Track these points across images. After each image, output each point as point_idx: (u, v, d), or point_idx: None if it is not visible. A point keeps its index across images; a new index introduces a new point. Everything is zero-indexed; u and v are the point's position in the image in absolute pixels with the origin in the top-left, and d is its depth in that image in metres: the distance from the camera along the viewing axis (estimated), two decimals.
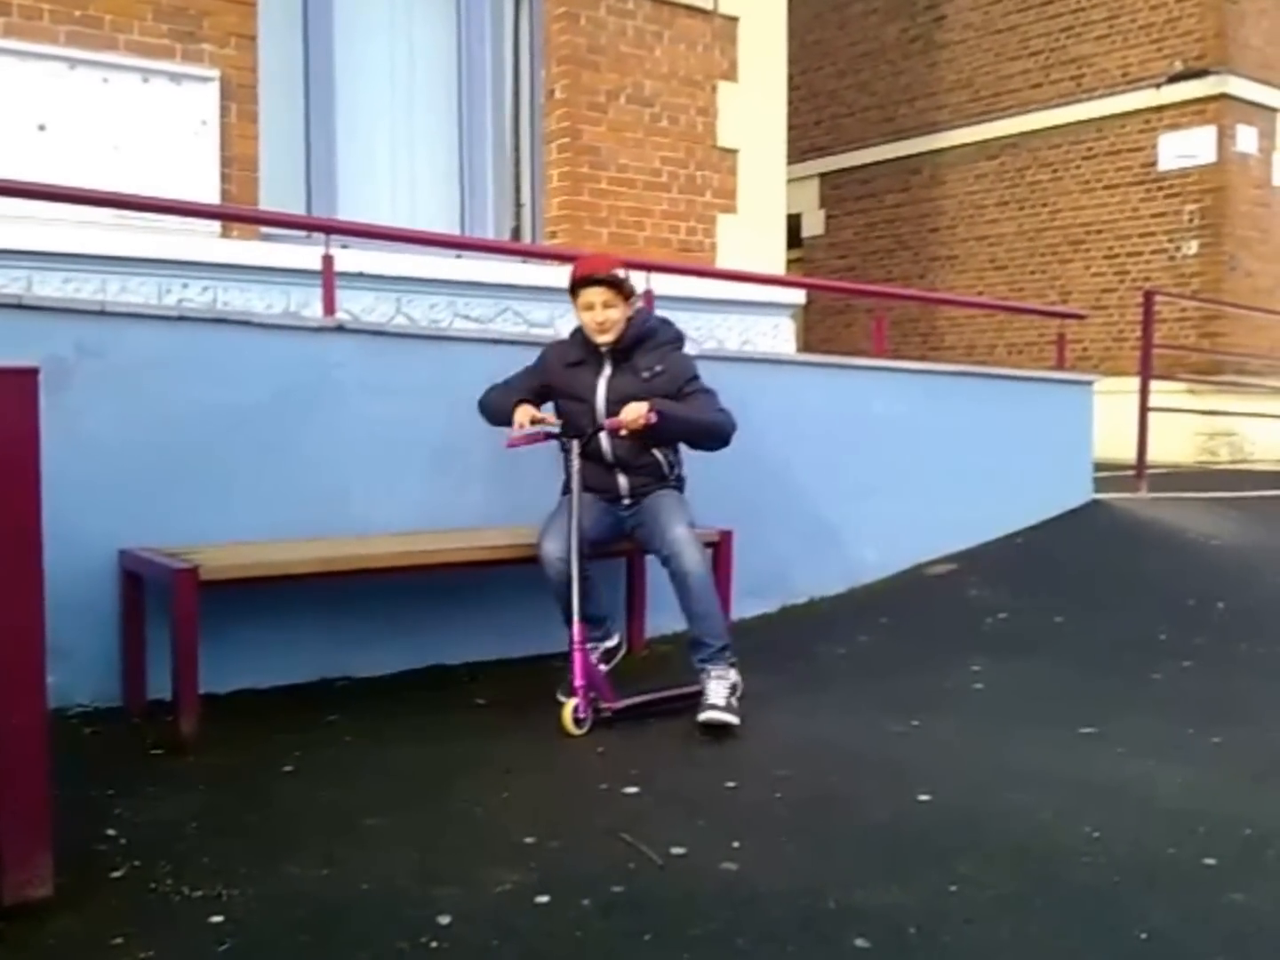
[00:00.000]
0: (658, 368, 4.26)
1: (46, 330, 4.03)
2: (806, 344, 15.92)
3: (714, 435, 4.34)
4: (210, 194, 6.24)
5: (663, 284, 6.78)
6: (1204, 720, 4.25)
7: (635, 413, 4.07)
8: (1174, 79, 12.84)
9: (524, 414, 4.25)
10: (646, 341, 4.33)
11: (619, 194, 7.62)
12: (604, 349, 4.28)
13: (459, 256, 6.93)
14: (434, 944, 2.45)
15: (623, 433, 4.15)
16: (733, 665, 4.21)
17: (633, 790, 3.44)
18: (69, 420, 3.90)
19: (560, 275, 7.01)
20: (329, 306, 5.05)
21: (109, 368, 4.12)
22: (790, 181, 15.32)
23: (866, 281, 14.91)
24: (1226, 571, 6.44)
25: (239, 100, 6.39)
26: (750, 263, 7.99)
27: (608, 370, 4.32)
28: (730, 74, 8.16)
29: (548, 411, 4.41)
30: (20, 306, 4.04)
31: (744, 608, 5.45)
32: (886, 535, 6.38)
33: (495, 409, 4.41)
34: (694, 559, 4.17)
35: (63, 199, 5.14)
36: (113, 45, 6.04)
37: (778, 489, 5.84)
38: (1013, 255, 14.51)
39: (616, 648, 4.67)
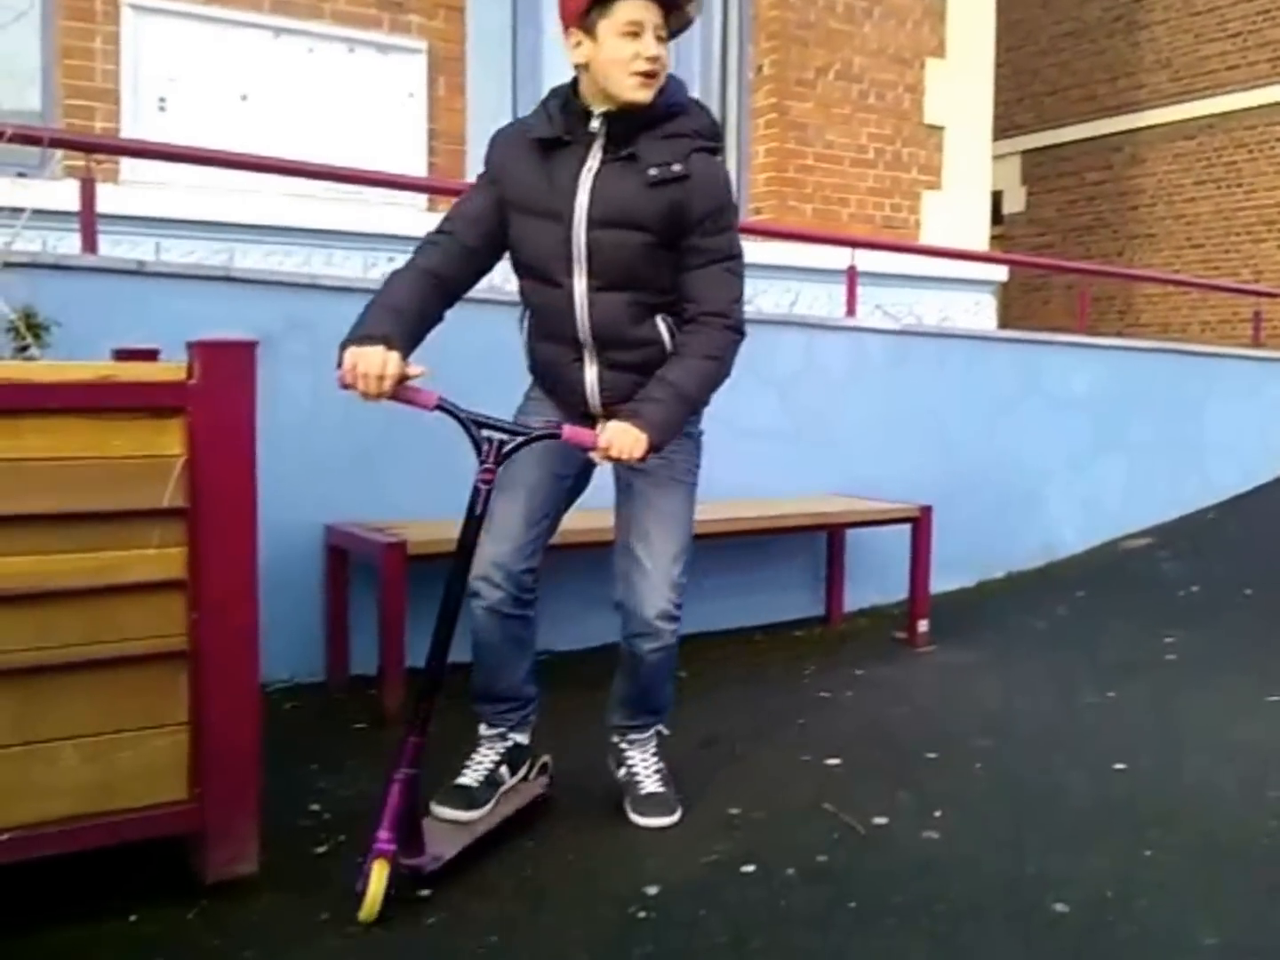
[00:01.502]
0: (675, 168, 2.45)
1: (254, 303, 3.81)
2: (1004, 319, 15.33)
3: (714, 387, 2.62)
4: (417, 167, 6.03)
5: (865, 259, 6.57)
6: None
7: (620, 446, 2.40)
8: None
9: (378, 364, 2.32)
10: (666, 123, 2.50)
11: (824, 170, 7.37)
12: (597, 124, 2.49)
13: None
14: (641, 914, 2.37)
15: (600, 443, 2.43)
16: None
17: (834, 762, 3.32)
18: (276, 394, 3.71)
19: (765, 251, 6.89)
20: None
21: (317, 342, 3.82)
22: (993, 159, 14.85)
23: (1065, 258, 14.27)
24: None
25: (446, 72, 6.17)
26: (953, 239, 7.67)
27: (595, 160, 2.50)
28: (939, 51, 7.80)
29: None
30: (228, 279, 3.85)
31: (942, 582, 5.23)
32: (1083, 511, 6.14)
33: (366, 313, 2.43)
34: (670, 642, 2.71)
35: (267, 170, 4.82)
36: (318, 14, 5.75)
37: (975, 464, 5.61)
38: (1209, 234, 13.76)
39: (523, 751, 2.90)
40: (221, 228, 5.23)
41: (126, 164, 5.16)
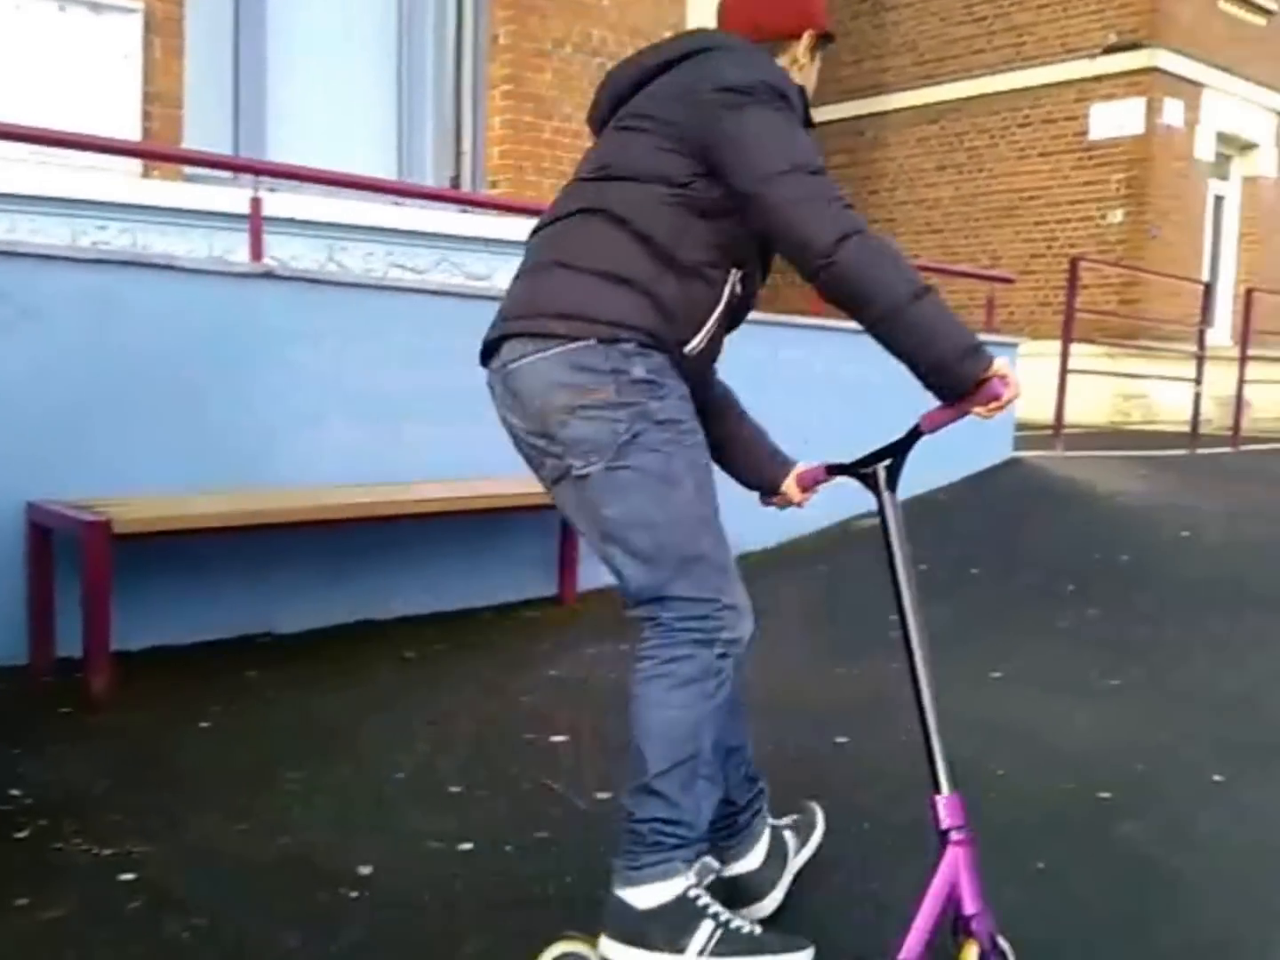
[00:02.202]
0: None
1: None
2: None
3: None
4: (131, 131, 5.90)
5: None
6: (1105, 664, 4.34)
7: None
8: (1108, 50, 12.87)
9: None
10: None
11: (564, 144, 7.49)
12: None
13: (397, 204, 6.77)
14: (354, 894, 2.42)
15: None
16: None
17: (560, 739, 3.43)
18: None
19: (500, 226, 6.95)
20: (256, 252, 4.89)
21: (18, 312, 3.82)
22: None
23: None
24: (1132, 525, 6.54)
25: (163, 34, 6.04)
26: None
27: None
28: (679, 27, 8.02)
29: None
30: None
31: None
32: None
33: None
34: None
35: None
36: None
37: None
38: (948, 219, 14.54)
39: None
40: None
41: None
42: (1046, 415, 8.46)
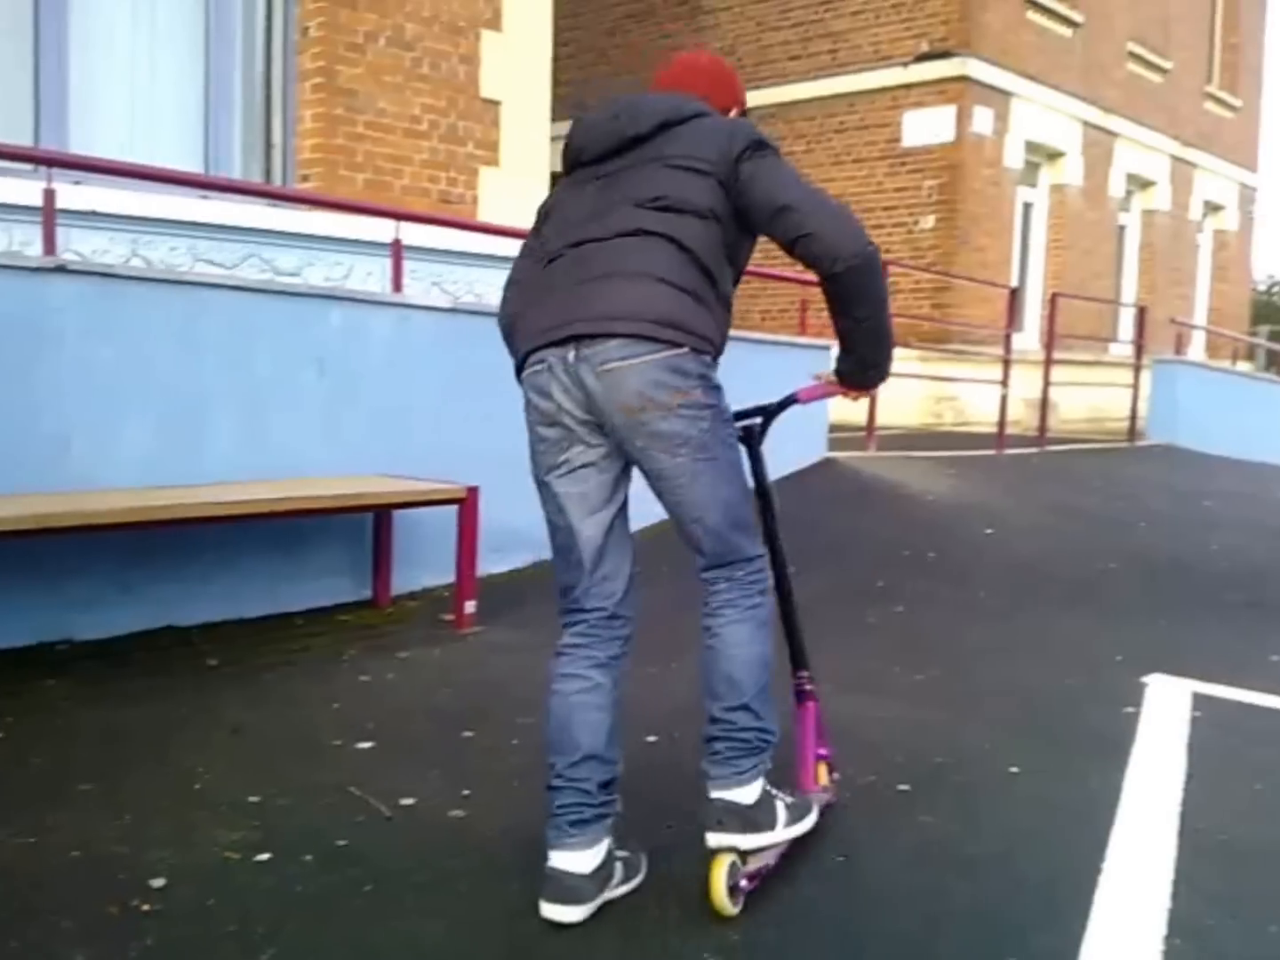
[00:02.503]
0: None
1: None
2: None
3: None
4: None
5: (420, 234, 6.67)
6: (910, 659, 4.53)
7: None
8: (920, 58, 13.35)
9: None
10: None
11: (376, 139, 7.41)
12: None
13: (204, 198, 6.62)
14: (145, 907, 2.38)
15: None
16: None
17: (366, 745, 3.42)
18: None
19: (311, 221, 6.85)
20: (49, 245, 4.73)
21: None
22: (559, 139, 15.27)
23: None
24: (939, 524, 6.82)
25: None
26: (513, 217, 7.89)
27: None
28: (494, 23, 8.03)
29: None
30: None
31: (496, 563, 5.47)
32: (640, 490, 6.46)
33: None
34: None
35: None
36: None
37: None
38: None
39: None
40: None
41: None
42: (860, 417, 8.74)
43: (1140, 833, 2.92)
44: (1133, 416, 11.60)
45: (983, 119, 13.38)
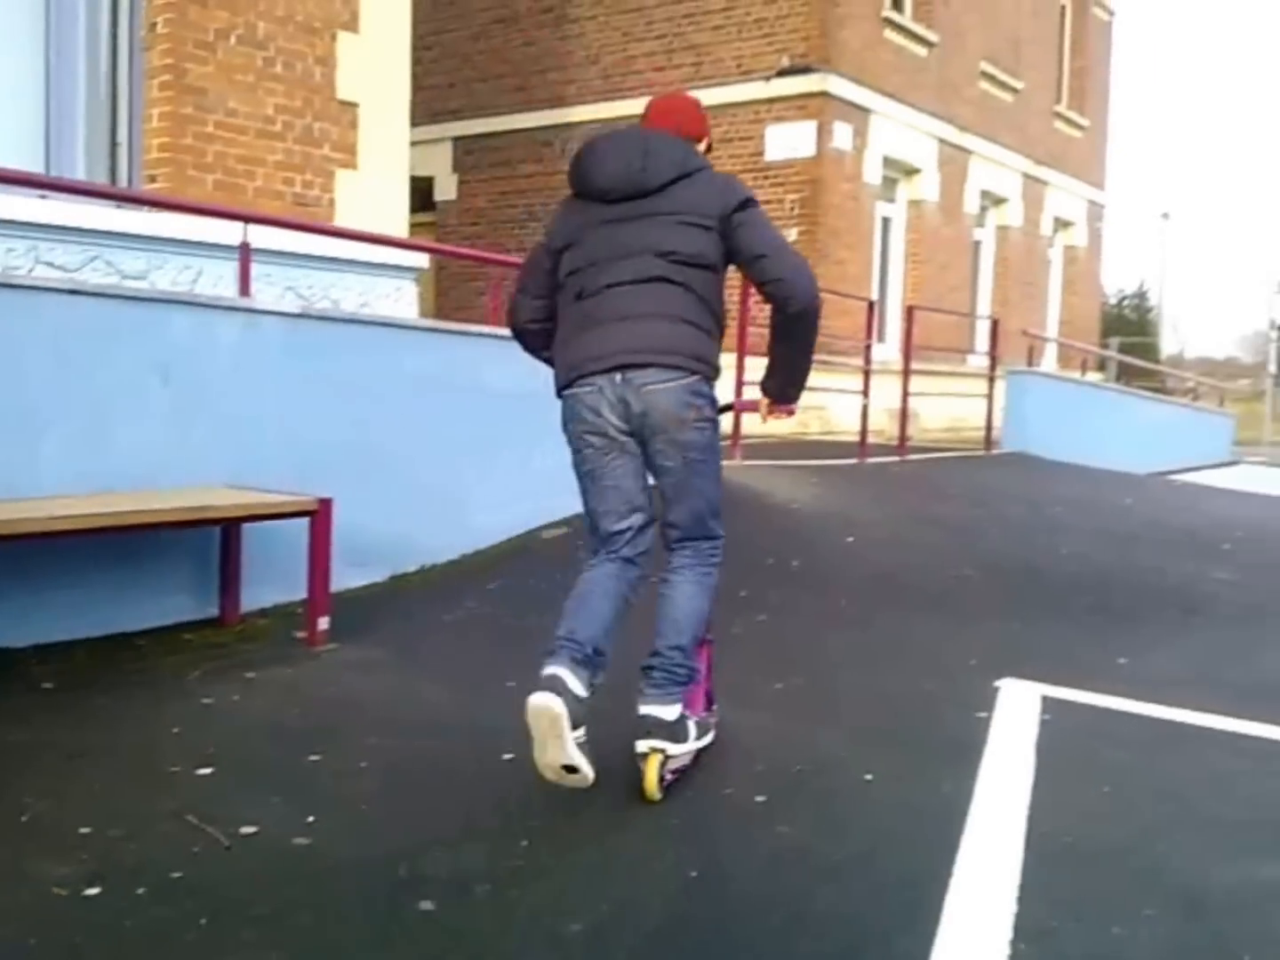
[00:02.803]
0: None
1: None
2: (440, 309, 15.77)
3: None
4: None
5: (275, 237, 6.49)
6: (771, 668, 4.52)
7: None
8: (781, 73, 13.51)
9: None
10: None
11: (227, 140, 7.20)
12: None
13: (44, 198, 6.33)
14: None
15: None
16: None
17: (207, 771, 3.26)
18: None
19: (160, 222, 6.62)
20: None
21: None
22: (423, 143, 15.19)
23: (495, 250, 14.91)
24: (802, 533, 6.86)
25: None
26: (371, 222, 7.76)
27: None
28: (351, 24, 7.87)
29: None
30: None
31: (352, 577, 5.32)
32: (501, 500, 6.39)
33: None
34: None
35: None
36: None
37: (388, 455, 5.71)
38: None
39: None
40: None
41: None
42: (725, 426, 8.76)
43: (989, 837, 2.94)
44: (988, 425, 11.88)
45: (842, 135, 13.60)
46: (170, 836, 2.79)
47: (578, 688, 2.99)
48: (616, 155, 3.22)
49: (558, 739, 2.91)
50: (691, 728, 3.29)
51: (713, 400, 3.22)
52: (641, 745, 3.14)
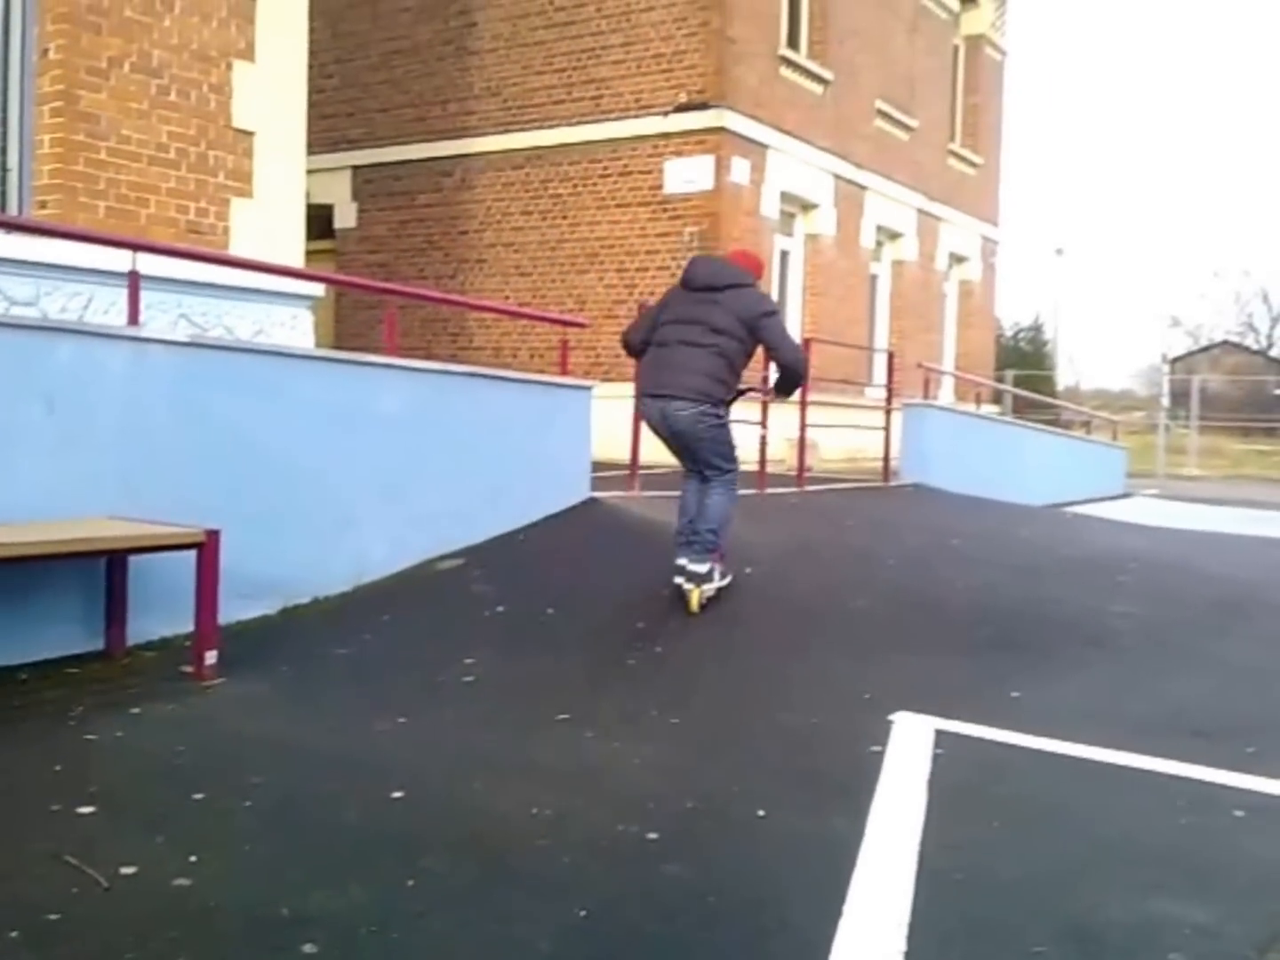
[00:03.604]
0: None
1: None
2: (339, 336, 15.63)
3: None
4: None
5: (168, 265, 6.40)
6: (667, 701, 4.53)
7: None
8: (679, 109, 13.68)
9: None
10: None
11: (120, 166, 7.09)
12: None
13: None
14: None
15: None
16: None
17: (88, 810, 3.19)
18: None
19: (50, 249, 6.48)
20: None
21: None
22: (322, 171, 15.09)
23: (393, 279, 14.84)
24: None
25: None
26: (267, 250, 7.68)
27: None
28: (247, 53, 7.81)
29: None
30: None
31: (242, 609, 5.24)
32: (396, 532, 6.34)
33: None
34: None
35: None
36: None
37: (280, 485, 5.65)
38: (535, 263, 14.90)
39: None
40: None
41: None
42: (626, 455, 8.81)
43: (880, 874, 2.96)
44: (886, 457, 12.07)
45: (740, 169, 13.78)
46: (47, 878, 2.73)
47: (700, 565, 5.82)
48: (704, 267, 6.07)
49: (689, 596, 5.81)
50: (716, 575, 5.98)
51: (716, 414, 5.85)
52: (687, 585, 5.83)
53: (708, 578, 5.80)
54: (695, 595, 5.73)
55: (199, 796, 3.33)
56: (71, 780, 3.40)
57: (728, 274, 5.87)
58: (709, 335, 5.69)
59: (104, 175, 7.04)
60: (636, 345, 6.04)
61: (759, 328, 5.77)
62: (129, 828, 3.08)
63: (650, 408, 5.83)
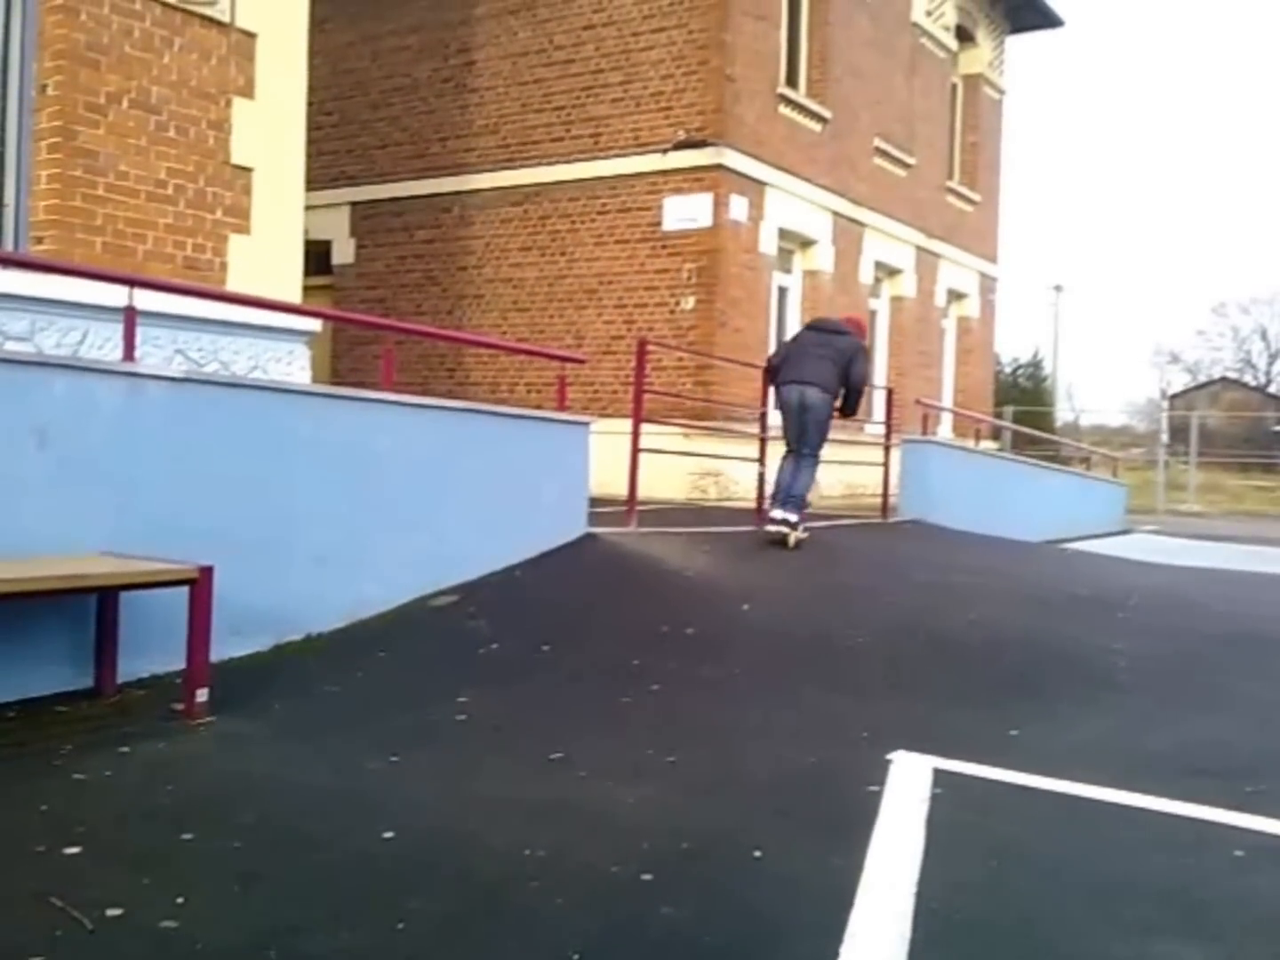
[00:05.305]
0: None
1: None
2: (335, 372, 15.67)
3: None
4: None
5: (165, 301, 6.41)
6: (663, 740, 4.48)
7: None
8: (678, 146, 13.75)
9: None
10: None
11: (117, 202, 7.12)
12: None
13: None
14: None
15: None
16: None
17: (74, 850, 3.15)
18: None
19: (46, 284, 6.50)
20: None
21: None
22: (320, 207, 15.16)
23: (391, 314, 14.88)
24: (696, 600, 6.87)
25: None
26: (264, 286, 7.70)
27: None
28: (247, 90, 7.86)
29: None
30: None
31: (234, 647, 5.22)
32: (390, 569, 6.31)
33: None
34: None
35: None
36: None
37: (274, 521, 5.64)
38: (534, 299, 14.94)
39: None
40: None
41: None
42: (624, 491, 8.80)
43: (877, 915, 2.92)
44: (885, 493, 12.06)
45: (738, 207, 13.84)
46: (31, 919, 2.70)
47: (791, 516, 8.66)
48: (828, 320, 9.62)
49: (781, 543, 8.59)
50: (801, 529, 8.78)
51: (832, 404, 8.94)
52: (784, 529, 8.63)
53: (797, 526, 8.68)
54: (792, 536, 8.64)
55: (188, 837, 3.30)
56: (58, 820, 3.37)
57: (840, 325, 9.32)
58: (830, 353, 8.88)
59: (101, 211, 7.06)
60: (775, 363, 9.25)
61: (852, 360, 8.92)
62: (115, 868, 3.04)
63: (791, 391, 8.84)
